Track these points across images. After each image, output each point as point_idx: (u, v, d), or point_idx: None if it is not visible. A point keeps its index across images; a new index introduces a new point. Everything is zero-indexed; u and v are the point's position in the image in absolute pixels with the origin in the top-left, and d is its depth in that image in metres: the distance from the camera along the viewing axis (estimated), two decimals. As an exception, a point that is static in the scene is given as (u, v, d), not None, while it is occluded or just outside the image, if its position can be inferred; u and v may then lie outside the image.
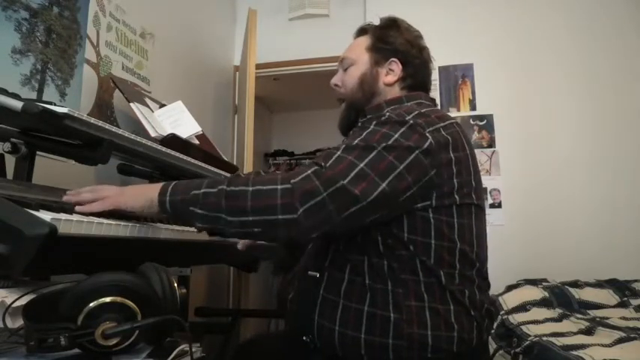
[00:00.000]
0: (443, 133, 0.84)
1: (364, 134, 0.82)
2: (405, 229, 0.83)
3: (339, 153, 0.79)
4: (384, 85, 1.00)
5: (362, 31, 1.08)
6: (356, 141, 0.81)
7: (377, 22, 1.06)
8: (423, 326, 0.79)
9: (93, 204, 0.77)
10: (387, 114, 0.86)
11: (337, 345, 0.83)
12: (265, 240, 1.01)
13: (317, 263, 0.92)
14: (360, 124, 0.91)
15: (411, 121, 0.82)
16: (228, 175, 1.61)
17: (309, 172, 0.75)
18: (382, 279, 0.82)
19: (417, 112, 0.85)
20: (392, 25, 1.03)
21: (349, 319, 0.82)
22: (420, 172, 0.80)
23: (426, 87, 1.04)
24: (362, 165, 0.76)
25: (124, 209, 0.80)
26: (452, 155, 0.84)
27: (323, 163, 0.77)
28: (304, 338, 0.90)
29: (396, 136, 0.80)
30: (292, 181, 0.74)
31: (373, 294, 0.82)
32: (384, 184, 0.76)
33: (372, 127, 0.84)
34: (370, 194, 0.75)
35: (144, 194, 0.81)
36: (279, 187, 0.74)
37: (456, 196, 0.85)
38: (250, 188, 0.75)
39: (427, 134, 0.81)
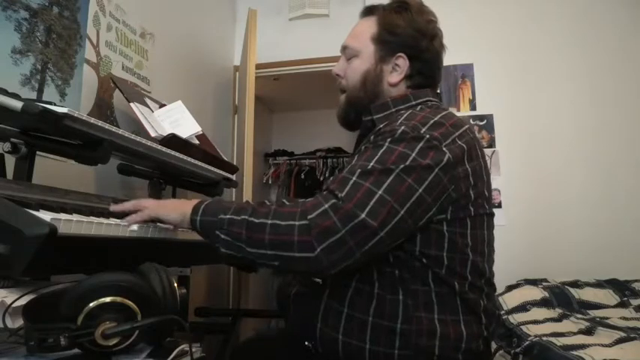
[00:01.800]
0: (459, 143, 0.81)
1: (380, 154, 0.78)
2: (418, 243, 0.80)
3: (354, 179, 0.75)
4: (389, 86, 0.95)
5: (369, 12, 0.99)
6: (372, 163, 0.76)
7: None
8: (431, 337, 0.78)
9: (134, 215, 0.83)
10: (402, 128, 0.80)
11: (341, 353, 0.82)
12: (286, 272, 1.00)
13: None
14: (371, 136, 0.86)
15: (427, 135, 0.78)
16: (228, 175, 1.61)
17: (326, 206, 0.72)
18: (393, 289, 0.81)
19: (431, 123, 0.81)
20: (402, 7, 0.94)
21: (353, 328, 0.81)
22: (440, 191, 0.77)
23: (434, 81, 0.98)
24: (380, 192, 0.72)
25: (162, 220, 0.85)
26: (468, 167, 0.81)
27: (339, 194, 0.73)
28: (306, 343, 0.89)
29: (414, 155, 0.76)
30: (309, 217, 0.71)
31: (380, 303, 0.80)
32: (402, 212, 0.73)
33: (386, 144, 0.79)
34: (389, 223, 0.72)
35: (179, 209, 0.84)
36: (296, 223, 0.71)
37: (471, 208, 0.83)
38: (269, 222, 0.73)
39: (444, 149, 0.78)
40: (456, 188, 0.79)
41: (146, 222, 0.84)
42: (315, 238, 0.70)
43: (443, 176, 0.77)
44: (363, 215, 0.70)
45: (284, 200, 0.80)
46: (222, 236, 0.77)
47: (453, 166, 0.78)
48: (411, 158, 0.76)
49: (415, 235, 0.80)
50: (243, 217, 0.76)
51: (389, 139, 0.80)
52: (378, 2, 1.00)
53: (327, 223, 0.70)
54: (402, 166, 0.75)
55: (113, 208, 0.85)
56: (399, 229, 0.74)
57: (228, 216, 0.77)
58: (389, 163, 0.76)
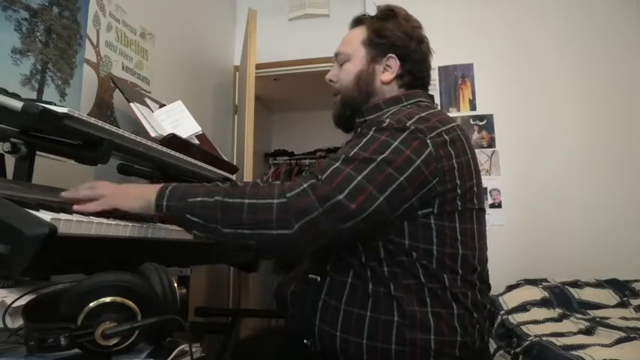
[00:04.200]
0: (444, 137, 0.82)
1: (363, 142, 0.80)
2: (407, 236, 0.82)
3: (337, 164, 0.77)
4: (381, 84, 0.98)
5: (358, 22, 1.04)
6: (355, 150, 0.79)
7: (374, 12, 1.02)
8: (426, 331, 0.78)
9: (90, 204, 0.76)
10: (387, 120, 0.83)
11: (339, 350, 0.82)
12: (263, 251, 1.01)
13: (318, 266, 0.91)
14: (359, 129, 0.88)
15: (412, 127, 0.80)
16: (228, 175, 1.61)
17: (305, 185, 0.74)
18: (385, 284, 0.82)
19: (417, 117, 0.83)
20: (389, 15, 0.99)
21: (351, 324, 0.82)
22: (421, 183, 0.79)
23: (424, 82, 1.01)
24: (360, 177, 0.75)
25: (120, 209, 0.80)
26: (454, 162, 0.82)
27: (320, 176, 0.75)
28: (305, 341, 0.89)
29: (396, 143, 0.78)
30: (288, 195, 0.73)
31: (375, 299, 0.81)
32: (381, 198, 0.75)
33: (371, 133, 0.81)
34: (367, 208, 0.74)
35: (142, 196, 0.81)
36: (274, 201, 0.73)
37: (458, 202, 0.84)
38: (246, 201, 0.75)
39: (428, 141, 0.80)
40: (440, 181, 0.81)
41: (105, 211, 0.77)
42: (293, 216, 0.72)
43: (425, 169, 0.79)
44: (340, 197, 0.73)
45: (258, 181, 0.80)
46: (194, 219, 0.76)
47: (437, 159, 0.80)
48: (392, 146, 0.78)
49: (403, 229, 0.81)
50: (216, 198, 0.76)
51: (374, 129, 0.82)
52: (375, 4, 1.02)
53: (305, 201, 0.72)
54: (383, 155, 0.77)
55: (65, 194, 0.78)
56: (377, 215, 0.76)
57: (199, 199, 0.77)
58: (370, 151, 0.78)
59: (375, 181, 0.75)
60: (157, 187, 0.81)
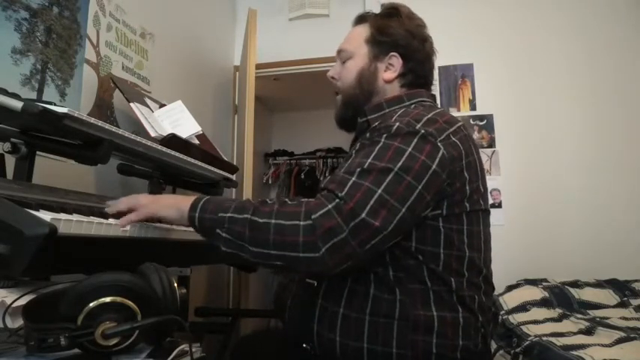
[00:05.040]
0: (453, 139, 0.82)
1: (377, 151, 0.79)
2: (414, 239, 0.81)
3: (354, 179, 0.75)
4: (384, 82, 0.97)
5: (361, 19, 1.03)
6: (369, 161, 0.77)
7: (378, 10, 1.01)
8: (428, 333, 0.78)
9: (130, 215, 0.79)
10: (397, 124, 0.82)
11: (339, 354, 0.82)
12: (289, 271, 1.01)
13: None
14: (367, 133, 0.87)
15: (422, 131, 0.79)
16: (228, 175, 1.61)
17: (329, 206, 0.72)
18: (389, 288, 0.81)
19: (425, 119, 0.82)
20: (393, 13, 0.98)
21: (350, 328, 0.81)
22: (438, 187, 0.78)
23: (427, 81, 1.00)
24: (380, 191, 0.73)
25: (157, 218, 0.83)
26: (463, 162, 0.82)
27: (339, 194, 0.73)
28: (304, 345, 0.89)
29: (410, 149, 0.77)
30: (313, 217, 0.71)
31: (376, 303, 0.80)
32: (403, 210, 0.74)
33: (382, 140, 0.80)
34: (390, 222, 0.72)
35: (176, 206, 0.82)
36: (301, 223, 0.72)
37: (467, 204, 0.83)
38: (273, 221, 0.73)
39: (439, 144, 0.79)
40: (450, 183, 0.80)
41: (142, 221, 0.82)
42: (320, 239, 0.70)
43: (441, 172, 0.78)
44: (363, 215, 0.71)
45: (286, 199, 0.79)
46: (224, 235, 0.76)
47: (449, 161, 0.79)
48: (407, 154, 0.77)
49: (411, 232, 0.80)
50: (245, 215, 0.75)
51: (385, 135, 0.81)
52: (375, 5, 1.01)
53: (331, 223, 0.71)
54: (399, 164, 0.76)
55: (108, 210, 0.82)
56: (401, 227, 0.75)
57: (229, 214, 0.76)
58: (386, 160, 0.77)
59: (396, 194, 0.74)
60: (191, 198, 0.83)
